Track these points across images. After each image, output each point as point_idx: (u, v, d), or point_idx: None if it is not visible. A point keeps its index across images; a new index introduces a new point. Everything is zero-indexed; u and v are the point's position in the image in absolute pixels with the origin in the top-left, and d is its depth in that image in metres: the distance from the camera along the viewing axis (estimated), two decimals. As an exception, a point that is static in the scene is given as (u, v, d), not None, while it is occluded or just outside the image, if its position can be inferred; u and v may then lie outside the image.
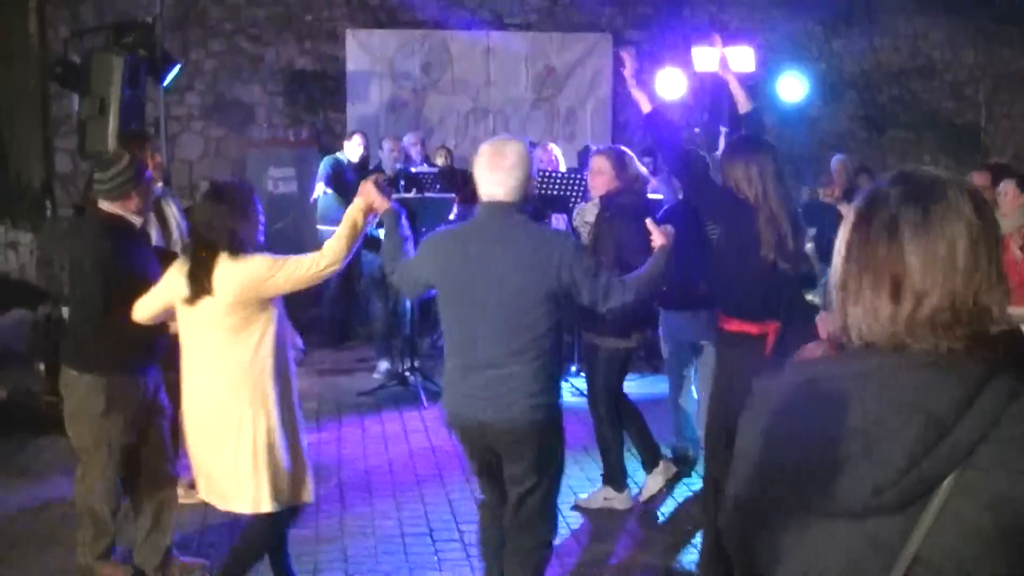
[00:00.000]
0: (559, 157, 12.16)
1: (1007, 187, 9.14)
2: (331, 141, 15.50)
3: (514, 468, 5.59)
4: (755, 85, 7.34)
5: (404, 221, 5.95)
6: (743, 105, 7.02)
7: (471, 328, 5.41)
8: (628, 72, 6.84)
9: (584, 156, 13.08)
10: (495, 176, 5.36)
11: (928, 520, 2.04)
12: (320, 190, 13.22)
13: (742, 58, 11.58)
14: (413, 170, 12.80)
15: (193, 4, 15.93)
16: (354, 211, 6.02)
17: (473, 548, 7.39)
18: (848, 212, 2.28)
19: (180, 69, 12.16)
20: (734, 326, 6.36)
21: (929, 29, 18.36)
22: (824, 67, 17.48)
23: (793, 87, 13.60)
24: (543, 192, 10.28)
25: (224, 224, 5.81)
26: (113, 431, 6.53)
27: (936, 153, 17.74)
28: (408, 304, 11.81)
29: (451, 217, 12.60)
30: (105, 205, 6.53)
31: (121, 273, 6.39)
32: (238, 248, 5.79)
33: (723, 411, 6.28)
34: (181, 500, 7.09)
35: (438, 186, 12.62)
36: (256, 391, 5.87)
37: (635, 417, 8.32)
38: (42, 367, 10.47)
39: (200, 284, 5.77)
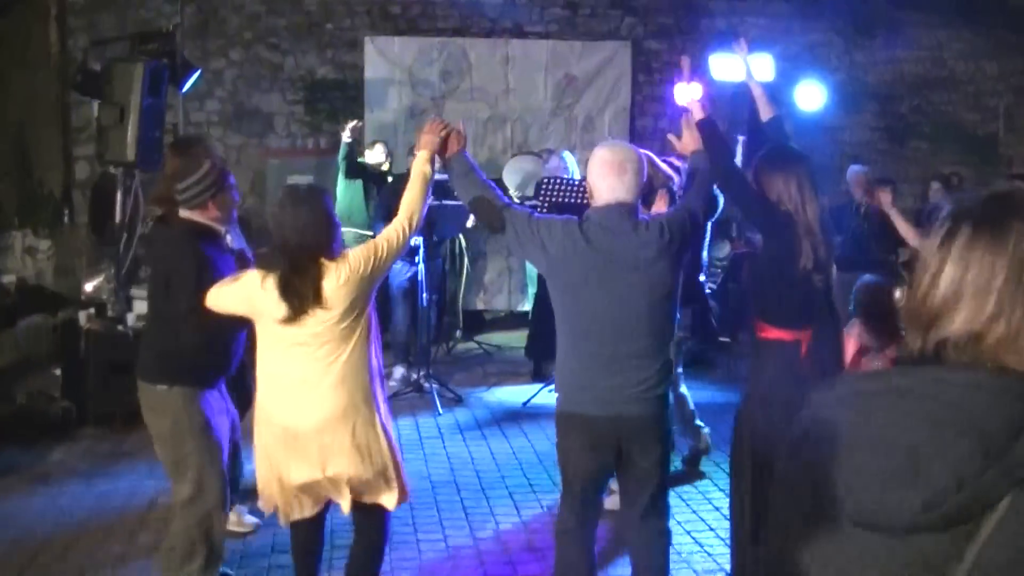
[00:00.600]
0: (572, 165, 12.24)
1: None
2: (347, 154, 15.52)
3: (645, 461, 5.62)
4: (773, 94, 7.32)
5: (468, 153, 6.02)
6: (765, 112, 6.98)
7: (605, 323, 5.40)
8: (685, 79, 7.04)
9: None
10: (623, 179, 5.42)
11: (980, 541, 1.98)
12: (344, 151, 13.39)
13: (761, 67, 11.56)
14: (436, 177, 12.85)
15: (213, 13, 15.97)
16: (419, 164, 5.94)
17: (487, 556, 7.40)
18: (945, 226, 2.22)
19: (199, 76, 12.20)
20: (771, 333, 6.44)
21: (950, 40, 18.32)
22: (844, 77, 17.45)
23: (811, 96, 13.55)
24: (555, 199, 10.25)
25: (320, 230, 5.60)
26: (214, 443, 6.34)
27: (956, 164, 17.70)
28: (430, 312, 11.85)
29: (468, 225, 12.65)
30: (185, 213, 6.33)
31: (208, 282, 6.07)
32: (335, 252, 5.63)
33: (756, 419, 6.36)
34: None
35: (455, 193, 12.64)
36: (368, 392, 5.74)
37: None
38: (59, 372, 10.51)
39: (306, 299, 5.49)
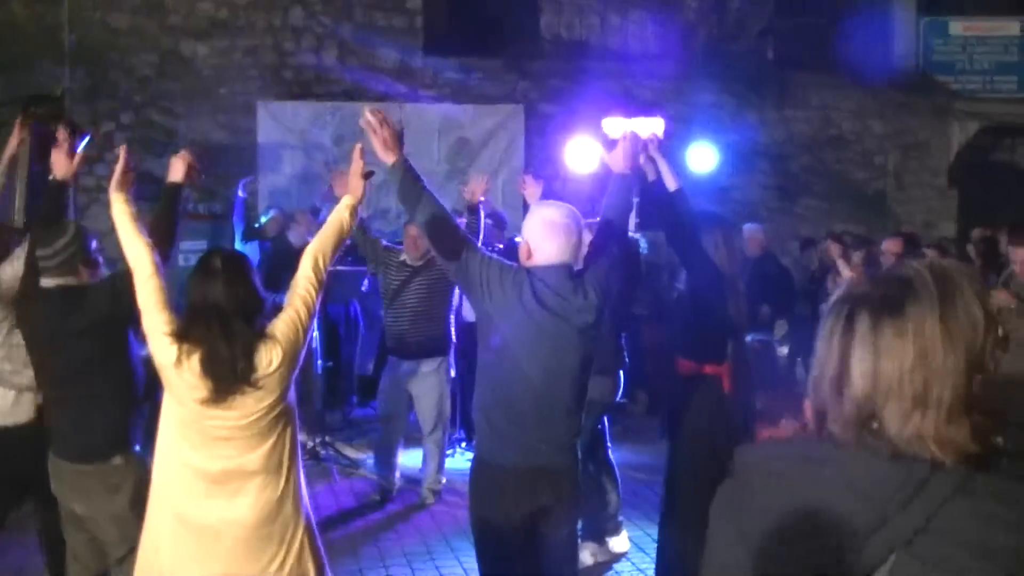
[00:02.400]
0: (471, 229, 12.21)
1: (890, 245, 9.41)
2: (244, 213, 15.40)
3: (562, 517, 5.52)
4: (666, 156, 7.55)
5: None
6: (671, 184, 7.22)
7: (540, 378, 5.33)
8: (652, 148, 7.15)
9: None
10: (570, 240, 5.39)
11: None
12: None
13: (654, 129, 11.63)
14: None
15: (103, 76, 15.81)
16: (341, 210, 5.36)
17: (383, 625, 7.31)
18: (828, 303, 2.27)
19: (90, 141, 12.05)
20: (690, 368, 7.13)
21: (838, 100, 18.67)
22: (736, 137, 17.66)
23: (704, 157, 13.70)
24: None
25: (253, 301, 4.95)
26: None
27: (847, 222, 17.96)
28: (319, 376, 11.74)
29: (363, 290, 12.58)
30: (50, 282, 5.86)
31: (103, 339, 5.77)
32: (263, 328, 4.95)
33: (688, 451, 7.10)
34: None
35: (349, 259, 12.57)
36: (296, 488, 5.09)
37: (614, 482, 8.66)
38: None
39: (235, 373, 4.77)
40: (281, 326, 4.95)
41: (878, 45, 19.15)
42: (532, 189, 7.79)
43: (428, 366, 9.93)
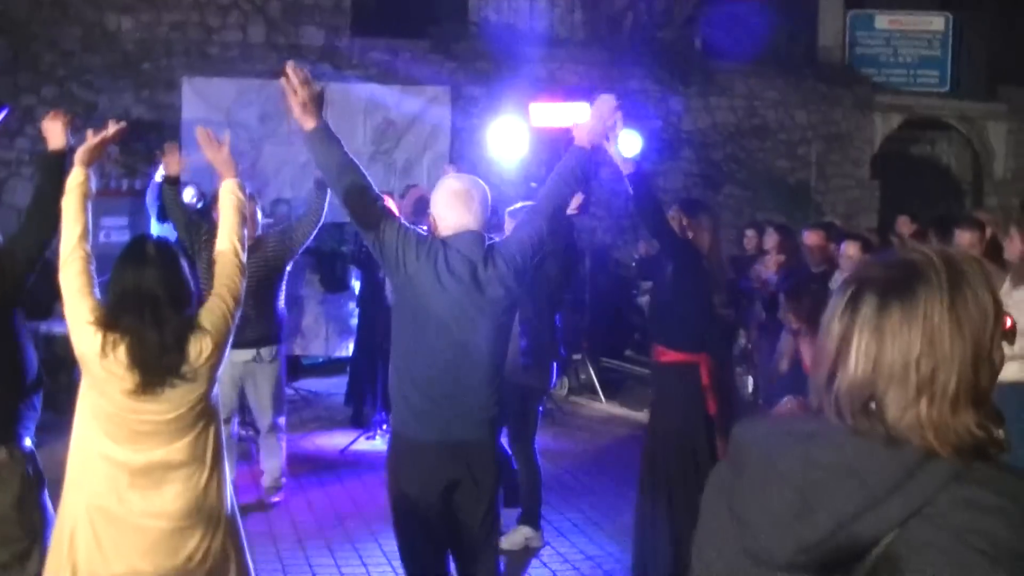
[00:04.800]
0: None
1: (849, 248, 9.24)
2: (158, 195, 15.21)
3: (477, 492, 5.48)
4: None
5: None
6: (626, 167, 7.23)
7: (453, 350, 5.30)
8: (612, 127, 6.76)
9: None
10: (471, 207, 5.38)
11: None
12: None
13: (579, 115, 11.64)
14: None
15: (24, 48, 15.57)
16: (229, 193, 5.24)
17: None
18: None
19: (9, 113, 11.88)
20: (670, 357, 7.37)
21: (762, 89, 18.79)
22: (660, 124, 17.73)
23: (628, 143, 13.71)
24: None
25: (186, 290, 4.70)
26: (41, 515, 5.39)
27: (770, 211, 18.09)
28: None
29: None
30: None
31: None
32: (193, 313, 4.72)
33: (661, 436, 7.35)
34: None
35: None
36: (221, 478, 4.89)
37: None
38: None
39: (164, 368, 4.53)
40: (209, 315, 4.74)
41: (804, 36, 19.33)
42: None
43: (267, 354, 9.44)
